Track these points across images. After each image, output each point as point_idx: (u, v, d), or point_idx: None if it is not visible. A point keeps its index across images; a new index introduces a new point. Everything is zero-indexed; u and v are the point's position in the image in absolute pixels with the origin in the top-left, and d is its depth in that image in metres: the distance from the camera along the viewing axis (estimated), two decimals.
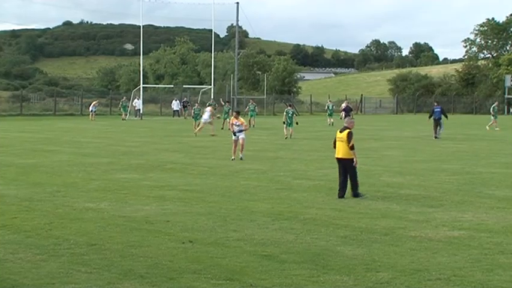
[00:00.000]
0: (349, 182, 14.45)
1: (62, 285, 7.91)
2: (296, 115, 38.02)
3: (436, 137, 33.25)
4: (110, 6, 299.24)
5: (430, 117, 34.94)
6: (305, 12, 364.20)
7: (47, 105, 66.51)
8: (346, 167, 14.34)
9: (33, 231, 10.91)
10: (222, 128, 39.38)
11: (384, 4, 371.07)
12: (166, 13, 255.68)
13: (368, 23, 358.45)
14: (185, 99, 66.10)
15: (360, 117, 59.91)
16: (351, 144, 14.28)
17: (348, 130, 14.44)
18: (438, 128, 33.85)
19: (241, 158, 22.28)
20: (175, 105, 63.45)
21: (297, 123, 34.36)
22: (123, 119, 54.56)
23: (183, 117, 59.47)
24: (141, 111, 59.35)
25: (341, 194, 14.35)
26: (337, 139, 14.57)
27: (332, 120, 47.24)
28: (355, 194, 14.34)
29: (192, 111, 40.71)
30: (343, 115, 39.00)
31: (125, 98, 61.06)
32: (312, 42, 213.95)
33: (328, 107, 50.47)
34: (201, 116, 37.55)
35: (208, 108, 37.95)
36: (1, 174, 18.45)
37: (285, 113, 34.05)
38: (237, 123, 22.80)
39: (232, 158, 22.32)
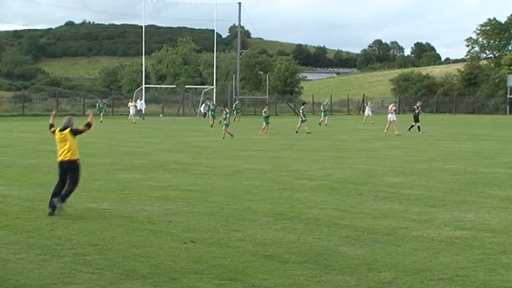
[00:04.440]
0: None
1: (64, 286, 7.91)
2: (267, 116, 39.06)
3: None
4: (116, 7, 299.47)
5: None
6: (308, 13, 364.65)
7: (49, 106, 66.65)
8: (72, 170, 12.52)
9: (36, 232, 10.91)
10: (297, 132, 38.31)
11: (386, 5, 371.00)
12: (171, 13, 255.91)
13: (371, 23, 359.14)
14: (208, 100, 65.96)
15: (362, 117, 59.88)
16: (86, 127, 12.59)
17: (69, 128, 12.61)
18: None
19: None
20: (204, 107, 63.12)
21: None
22: (101, 121, 50.23)
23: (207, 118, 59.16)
24: (143, 112, 59.36)
25: (53, 205, 12.31)
26: (58, 140, 12.62)
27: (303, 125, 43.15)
28: (60, 201, 12.28)
29: (263, 113, 39.96)
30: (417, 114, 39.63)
31: (101, 98, 57.67)
32: (314, 43, 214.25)
33: (302, 111, 48.90)
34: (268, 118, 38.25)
35: (391, 106, 38.14)
36: (3, 174, 18.46)
37: (263, 113, 39.71)
38: None
39: None
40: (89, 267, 8.72)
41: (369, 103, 58.28)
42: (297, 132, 38.39)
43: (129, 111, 53.53)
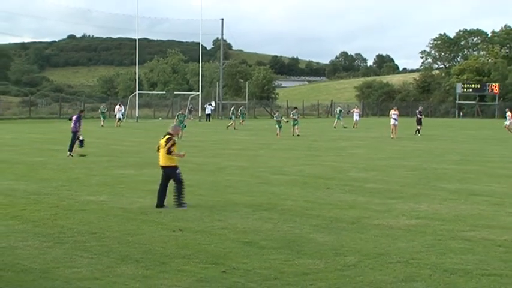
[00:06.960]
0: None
1: (66, 269, 7.85)
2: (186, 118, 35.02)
3: None
4: (114, 22, 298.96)
5: None
6: (283, 27, 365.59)
7: (53, 110, 65.94)
8: (170, 176, 12.40)
9: (41, 221, 10.81)
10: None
11: (354, 21, 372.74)
12: (163, 28, 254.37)
13: (339, 37, 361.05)
14: (191, 105, 65.64)
15: (330, 120, 60.07)
16: (167, 147, 12.29)
17: (168, 136, 12.48)
18: None
19: None
20: (208, 109, 62.19)
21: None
22: (102, 126, 46.49)
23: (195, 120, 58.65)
24: (120, 117, 57.64)
25: (159, 203, 12.17)
26: (160, 146, 12.62)
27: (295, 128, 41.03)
28: (178, 204, 12.11)
29: (275, 117, 37.44)
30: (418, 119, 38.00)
31: (103, 105, 54.29)
32: (288, 54, 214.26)
33: (293, 114, 43.56)
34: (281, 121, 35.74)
35: (392, 111, 36.50)
36: (12, 170, 18.26)
37: (275, 117, 37.47)
38: None
39: None
40: (88, 252, 8.66)
41: (355, 108, 53.19)
42: (297, 135, 35.54)
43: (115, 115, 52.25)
